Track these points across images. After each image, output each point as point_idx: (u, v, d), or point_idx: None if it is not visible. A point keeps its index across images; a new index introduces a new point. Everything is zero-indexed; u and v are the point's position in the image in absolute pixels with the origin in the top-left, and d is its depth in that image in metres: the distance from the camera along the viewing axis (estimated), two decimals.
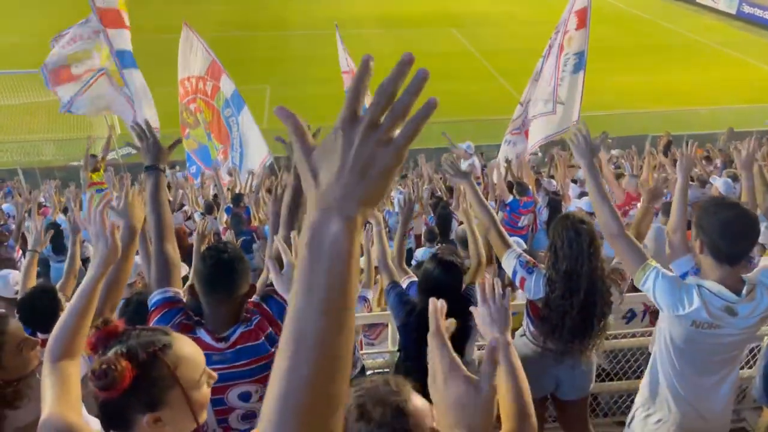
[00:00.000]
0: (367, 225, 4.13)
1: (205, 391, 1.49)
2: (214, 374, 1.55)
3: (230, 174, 9.89)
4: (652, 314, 4.29)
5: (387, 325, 4.12)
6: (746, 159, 3.46)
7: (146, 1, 31.60)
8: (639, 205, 3.37)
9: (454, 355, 1.28)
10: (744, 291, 2.35)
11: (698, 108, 17.55)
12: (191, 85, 9.79)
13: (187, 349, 1.48)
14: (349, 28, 25.87)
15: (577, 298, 2.94)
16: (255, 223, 7.52)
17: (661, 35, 26.62)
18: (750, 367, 4.10)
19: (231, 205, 8.09)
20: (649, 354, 3.64)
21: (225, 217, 7.46)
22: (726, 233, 2.33)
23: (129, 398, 1.35)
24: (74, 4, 28.74)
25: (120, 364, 1.33)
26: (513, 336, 2.78)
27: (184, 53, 9.63)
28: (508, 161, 9.47)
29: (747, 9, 29.08)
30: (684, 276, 2.98)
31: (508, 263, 3.17)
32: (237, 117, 9.70)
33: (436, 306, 1.35)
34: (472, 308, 1.79)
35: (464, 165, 9.09)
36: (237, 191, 9.12)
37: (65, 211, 8.26)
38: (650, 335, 3.83)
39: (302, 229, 0.79)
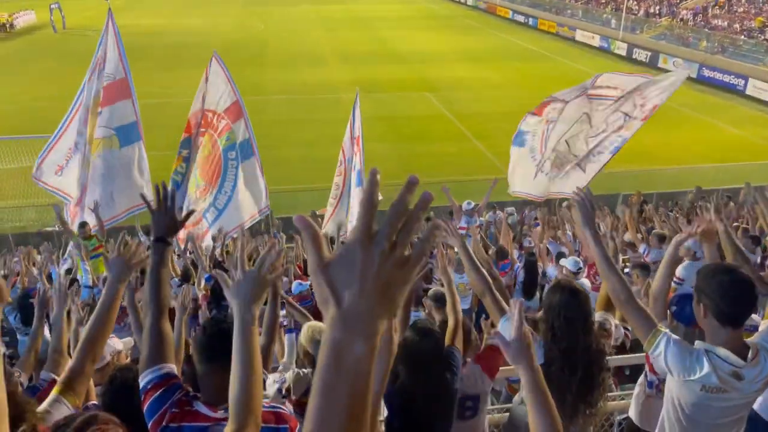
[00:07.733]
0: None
1: None
2: None
3: (214, 239, 9.73)
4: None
5: None
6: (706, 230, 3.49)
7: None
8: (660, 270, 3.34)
9: None
10: (750, 355, 2.44)
11: (665, 168, 18.12)
12: (213, 117, 9.59)
13: None
14: (327, 93, 26.61)
15: (576, 375, 2.88)
16: None
17: None
18: None
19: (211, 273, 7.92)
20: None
21: (203, 284, 7.29)
22: (727, 295, 2.44)
23: None
24: (52, 72, 29.08)
25: None
26: (510, 401, 2.76)
27: (215, 84, 9.41)
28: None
29: (707, 73, 30.62)
30: None
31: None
32: (239, 163, 9.63)
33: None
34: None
35: (463, 221, 9.09)
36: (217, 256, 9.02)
37: (50, 278, 8.06)
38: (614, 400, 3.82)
39: (322, 346, 0.81)
